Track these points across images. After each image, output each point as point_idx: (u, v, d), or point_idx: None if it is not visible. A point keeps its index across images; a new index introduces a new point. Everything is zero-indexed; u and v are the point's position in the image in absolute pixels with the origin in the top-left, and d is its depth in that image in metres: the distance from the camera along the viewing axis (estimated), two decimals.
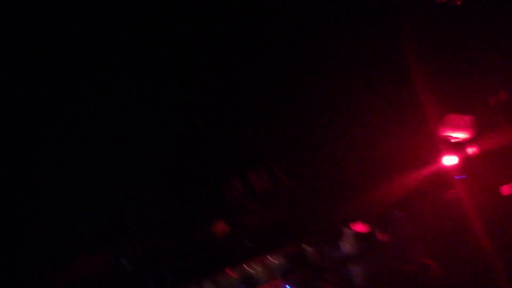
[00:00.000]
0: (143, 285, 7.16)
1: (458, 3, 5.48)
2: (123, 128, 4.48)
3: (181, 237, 6.49)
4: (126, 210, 5.51)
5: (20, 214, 5.30)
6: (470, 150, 7.26)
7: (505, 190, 7.40)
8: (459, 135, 7.08)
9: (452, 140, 7.19)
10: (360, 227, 7.99)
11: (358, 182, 7.40)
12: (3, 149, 3.81)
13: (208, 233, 6.54)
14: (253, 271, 8.57)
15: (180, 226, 6.15)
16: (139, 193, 5.24)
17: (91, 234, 5.82)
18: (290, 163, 5.87)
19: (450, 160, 7.35)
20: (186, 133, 4.89)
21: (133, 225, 5.67)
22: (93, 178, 5.01)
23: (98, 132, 4.49)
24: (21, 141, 3.86)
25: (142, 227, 5.78)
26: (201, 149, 4.99)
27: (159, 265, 6.64)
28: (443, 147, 7.29)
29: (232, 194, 5.35)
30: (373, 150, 7.10)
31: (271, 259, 8.65)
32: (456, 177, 7.57)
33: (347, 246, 8.40)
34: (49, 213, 5.45)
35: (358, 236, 7.99)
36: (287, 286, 8.82)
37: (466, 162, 7.36)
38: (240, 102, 5.54)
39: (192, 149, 4.97)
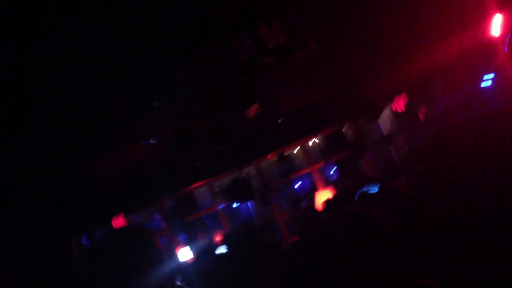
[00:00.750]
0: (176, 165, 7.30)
1: None
2: None
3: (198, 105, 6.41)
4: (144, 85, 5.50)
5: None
6: None
7: None
8: None
9: None
10: (399, 104, 7.72)
11: (397, 52, 6.96)
12: None
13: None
14: (292, 156, 8.64)
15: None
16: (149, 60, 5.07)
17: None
18: (316, 20, 5.34)
19: (498, 24, 6.74)
20: None
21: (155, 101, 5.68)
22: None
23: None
24: None
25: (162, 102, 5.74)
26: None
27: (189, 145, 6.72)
28: (492, 10, 6.69)
29: (243, 52, 4.99)
30: (414, 15, 6.57)
31: (312, 142, 8.67)
32: (504, 46, 7.01)
33: (387, 124, 8.23)
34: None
35: (398, 113, 7.75)
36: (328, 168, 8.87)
37: None
38: None
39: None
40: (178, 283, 7.08)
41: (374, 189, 5.59)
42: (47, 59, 4.50)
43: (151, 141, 6.04)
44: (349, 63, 6.45)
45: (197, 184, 8.36)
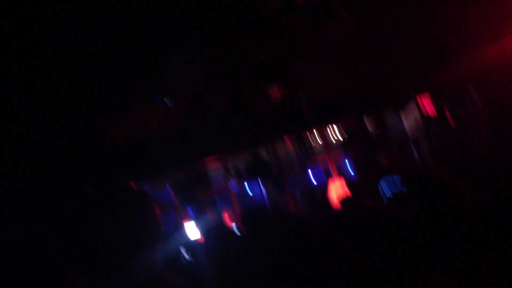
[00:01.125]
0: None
1: None
2: None
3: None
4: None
5: None
6: None
7: None
8: None
9: None
10: (425, 101, 7.57)
11: (429, 52, 6.84)
12: None
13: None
14: (310, 142, 8.49)
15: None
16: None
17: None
18: None
19: None
20: None
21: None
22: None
23: None
24: None
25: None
26: None
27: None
28: None
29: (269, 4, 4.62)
30: (446, 20, 6.44)
31: (329, 131, 8.52)
32: None
33: (411, 120, 8.08)
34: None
35: (422, 110, 7.60)
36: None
37: None
38: None
39: None
40: (185, 254, 6.93)
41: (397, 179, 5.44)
42: (59, 9, 4.27)
43: (166, 102, 5.83)
44: (387, 53, 6.29)
45: (210, 157, 8.18)
